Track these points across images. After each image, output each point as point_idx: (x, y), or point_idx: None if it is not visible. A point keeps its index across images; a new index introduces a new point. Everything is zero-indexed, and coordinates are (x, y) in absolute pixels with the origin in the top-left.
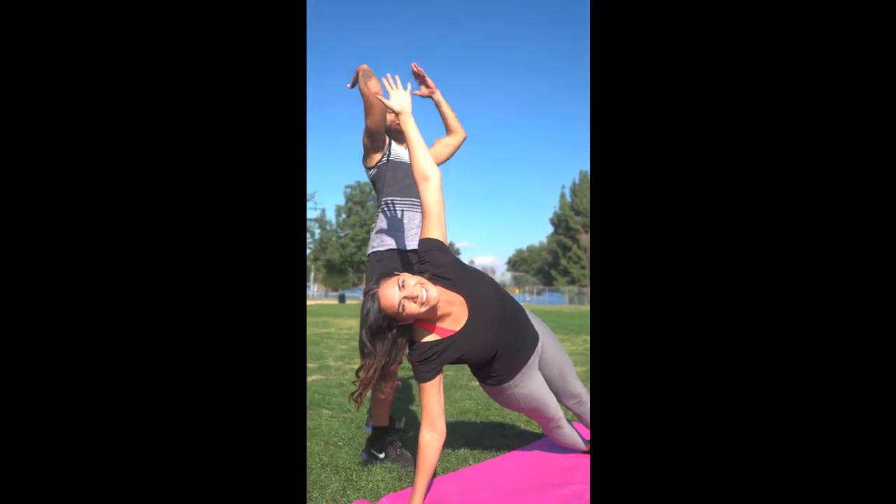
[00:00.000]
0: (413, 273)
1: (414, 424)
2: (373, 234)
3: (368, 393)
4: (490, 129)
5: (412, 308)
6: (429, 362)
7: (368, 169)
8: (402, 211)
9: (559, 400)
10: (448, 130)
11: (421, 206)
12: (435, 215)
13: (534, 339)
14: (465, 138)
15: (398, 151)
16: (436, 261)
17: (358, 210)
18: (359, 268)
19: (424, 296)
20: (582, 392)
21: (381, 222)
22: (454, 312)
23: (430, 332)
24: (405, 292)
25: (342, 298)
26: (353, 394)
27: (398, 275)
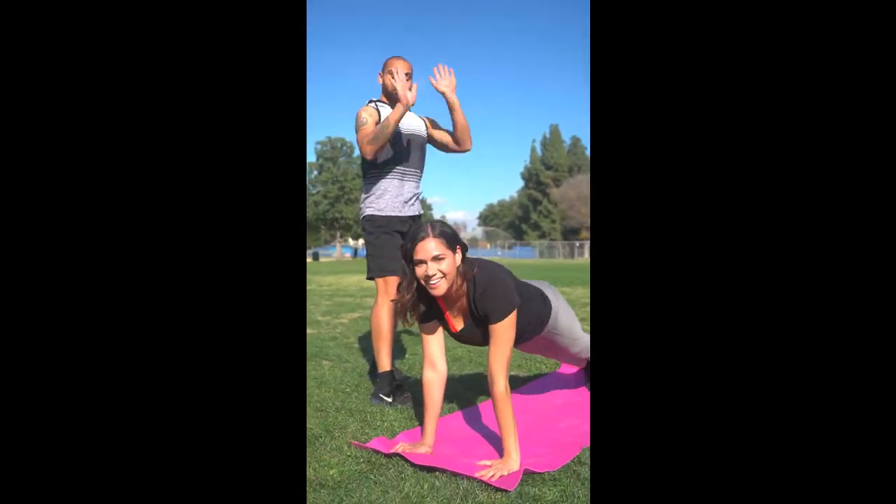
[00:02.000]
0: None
1: (412, 371)
2: (369, 199)
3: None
4: (460, 84)
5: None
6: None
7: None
8: (397, 178)
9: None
10: (455, 140)
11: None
12: None
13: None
14: (467, 151)
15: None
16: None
17: (329, 167)
18: (332, 225)
19: (436, 282)
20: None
21: (376, 188)
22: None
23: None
24: (424, 270)
25: (316, 256)
26: (399, 314)
27: (433, 259)
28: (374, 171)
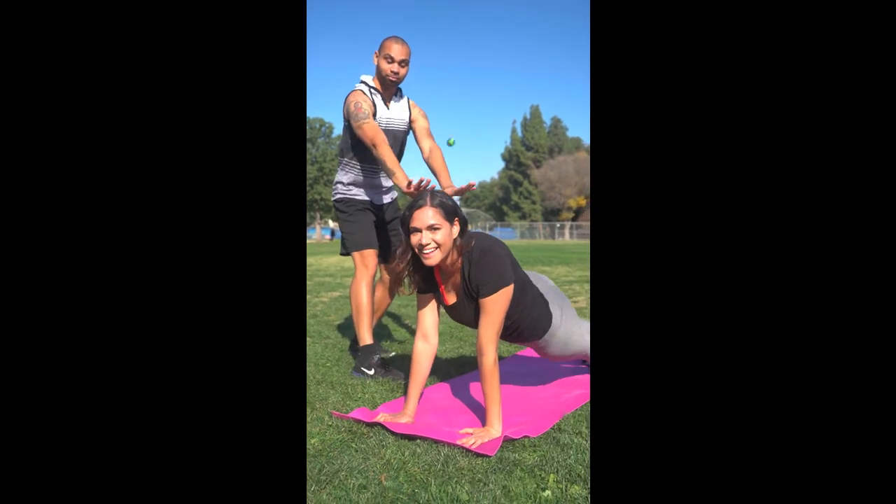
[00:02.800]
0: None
1: (392, 347)
2: (341, 186)
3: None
4: (441, 66)
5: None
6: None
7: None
8: (372, 169)
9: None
10: (427, 157)
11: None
12: None
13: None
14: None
15: (384, 114)
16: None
17: (308, 148)
18: (311, 206)
19: (430, 251)
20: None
21: (349, 176)
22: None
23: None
24: (419, 239)
25: None
26: (392, 283)
27: (431, 227)
28: (349, 158)
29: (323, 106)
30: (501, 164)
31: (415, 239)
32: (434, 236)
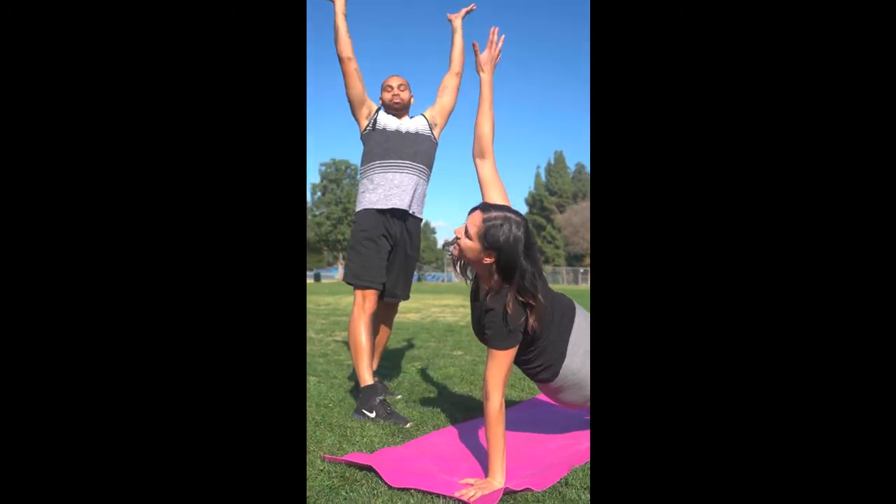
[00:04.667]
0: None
1: (399, 388)
2: (362, 195)
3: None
4: (465, 109)
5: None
6: (517, 331)
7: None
8: (381, 173)
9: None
10: (452, 66)
11: (479, 180)
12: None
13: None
14: (459, 74)
15: (383, 120)
16: None
17: (333, 188)
18: (335, 246)
19: (454, 248)
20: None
21: (370, 181)
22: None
23: None
24: (457, 229)
25: (318, 277)
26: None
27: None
28: (371, 163)
29: (348, 149)
30: (525, 209)
31: (458, 228)
32: (463, 239)
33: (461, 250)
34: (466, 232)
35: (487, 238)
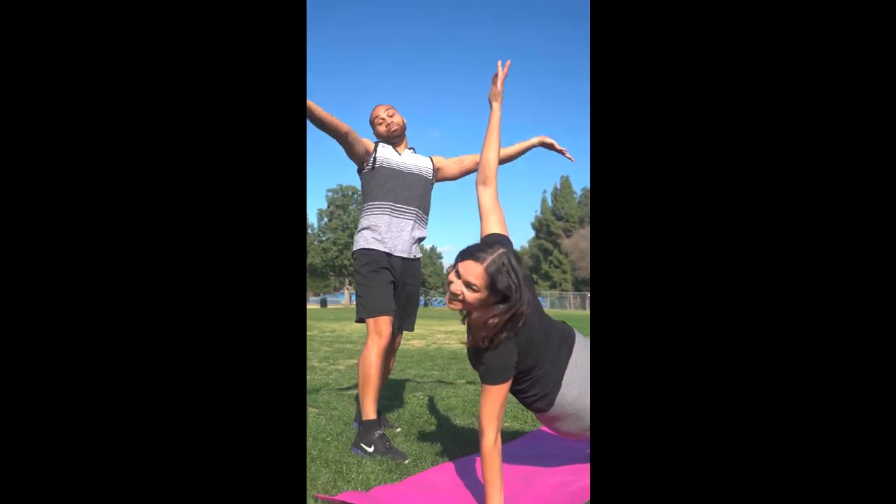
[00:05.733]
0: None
1: (399, 421)
2: (361, 233)
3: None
4: (470, 133)
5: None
6: (511, 366)
7: (359, 173)
8: (379, 215)
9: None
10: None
11: (479, 206)
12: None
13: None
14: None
15: (384, 154)
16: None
17: (340, 214)
18: (341, 272)
19: (454, 301)
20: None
21: (369, 221)
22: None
23: None
24: (454, 284)
25: (324, 303)
26: (485, 338)
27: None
28: (370, 204)
29: (354, 175)
30: (532, 233)
31: (451, 277)
32: (466, 293)
33: (467, 304)
34: (469, 286)
35: (497, 284)
